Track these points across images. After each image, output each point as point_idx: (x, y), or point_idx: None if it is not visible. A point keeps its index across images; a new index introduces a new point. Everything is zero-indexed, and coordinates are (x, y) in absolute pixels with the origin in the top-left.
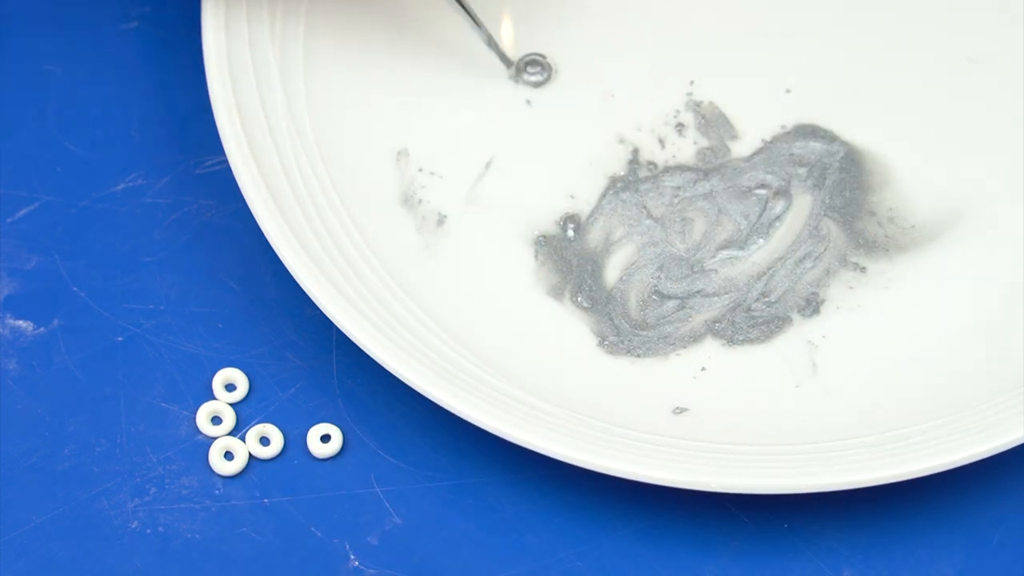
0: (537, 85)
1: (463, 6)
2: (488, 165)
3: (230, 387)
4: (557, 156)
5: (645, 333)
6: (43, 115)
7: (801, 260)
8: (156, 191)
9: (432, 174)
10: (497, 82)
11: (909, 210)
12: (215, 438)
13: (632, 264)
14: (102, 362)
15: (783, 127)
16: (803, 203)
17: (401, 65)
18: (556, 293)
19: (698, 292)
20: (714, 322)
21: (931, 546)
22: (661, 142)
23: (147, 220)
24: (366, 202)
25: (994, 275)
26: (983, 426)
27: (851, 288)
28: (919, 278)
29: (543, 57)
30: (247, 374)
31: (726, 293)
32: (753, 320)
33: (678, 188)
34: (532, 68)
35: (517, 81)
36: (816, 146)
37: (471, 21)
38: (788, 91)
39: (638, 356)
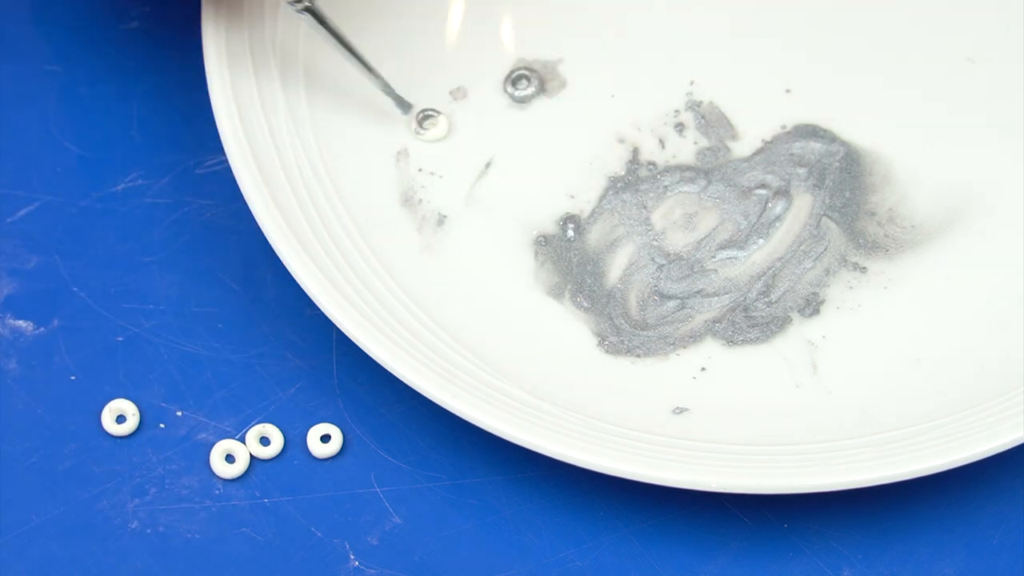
0: (525, 100)
1: (358, 57)
2: (488, 165)
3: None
4: (557, 156)
5: (645, 333)
6: (43, 115)
7: (801, 260)
8: (156, 191)
9: (432, 174)
10: (497, 81)
11: (909, 210)
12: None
13: (632, 264)
14: (102, 362)
15: (783, 127)
16: (803, 203)
17: (401, 64)
18: (556, 293)
19: (698, 292)
20: (714, 322)
21: (931, 546)
22: (661, 142)
23: (147, 220)
24: (366, 202)
25: (994, 275)
26: (983, 426)
27: (851, 288)
28: (919, 278)
29: (531, 71)
30: (247, 374)
31: (726, 293)
32: (753, 320)
33: (678, 188)
34: (521, 83)
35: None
36: (816, 146)
37: (366, 70)
38: (788, 91)
39: (638, 356)
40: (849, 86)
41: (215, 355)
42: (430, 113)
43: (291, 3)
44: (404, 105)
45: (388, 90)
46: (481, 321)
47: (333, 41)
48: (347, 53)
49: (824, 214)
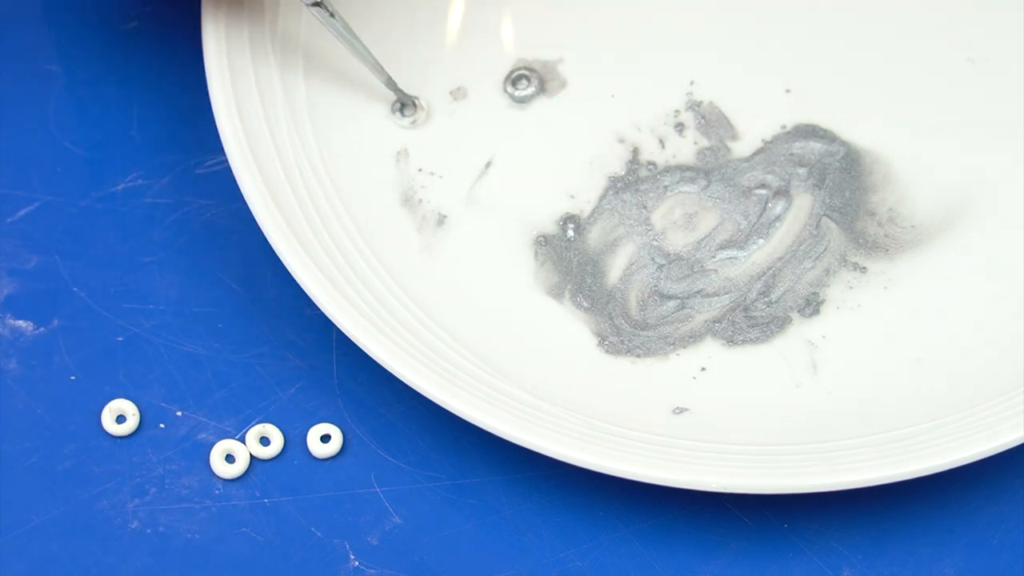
0: (525, 100)
1: (364, 53)
2: (488, 165)
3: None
4: (557, 156)
5: (645, 333)
6: (43, 115)
7: (801, 260)
8: (156, 191)
9: (432, 174)
10: (497, 82)
11: (909, 210)
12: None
13: (632, 264)
14: (102, 362)
15: (783, 127)
16: (803, 203)
17: (401, 64)
18: (556, 293)
19: (698, 292)
20: (714, 322)
21: (931, 546)
22: (661, 142)
23: (147, 220)
24: (366, 202)
25: (994, 275)
26: (983, 426)
27: (851, 288)
28: (919, 278)
29: (531, 71)
30: (247, 374)
31: (726, 293)
32: (753, 320)
33: (678, 188)
34: (521, 83)
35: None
36: (816, 146)
37: (372, 65)
38: (788, 91)
39: (638, 356)
40: (849, 86)
41: (215, 355)
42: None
43: None
44: (407, 99)
45: (393, 86)
46: (481, 321)
47: (342, 36)
48: (354, 48)
49: (824, 214)
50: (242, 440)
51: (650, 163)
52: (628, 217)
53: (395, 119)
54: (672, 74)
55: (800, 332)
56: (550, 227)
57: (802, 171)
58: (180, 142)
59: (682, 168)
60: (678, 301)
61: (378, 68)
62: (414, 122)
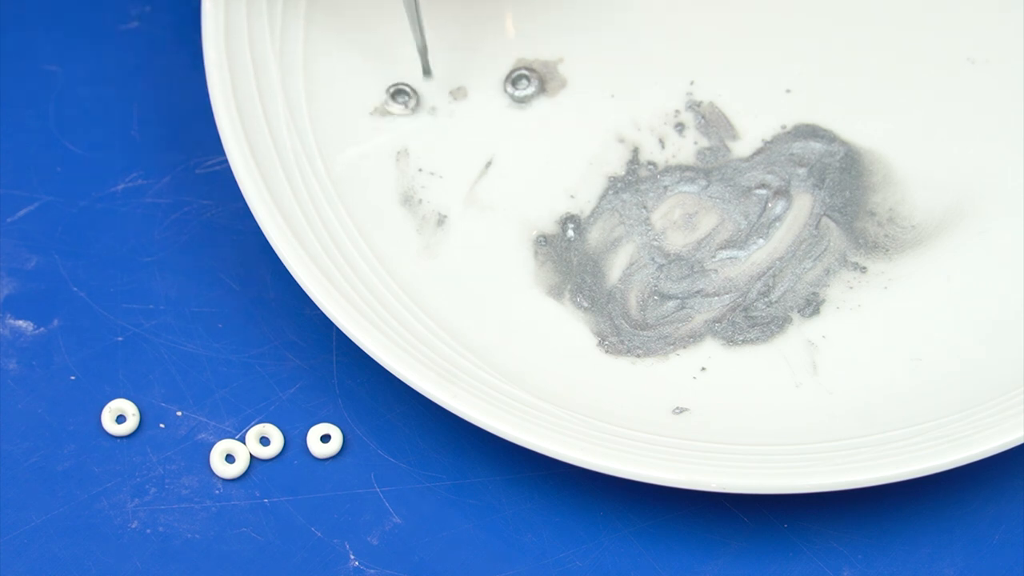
0: (525, 100)
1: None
2: (488, 165)
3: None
4: (557, 156)
5: (645, 333)
6: (43, 115)
7: (801, 260)
8: (156, 191)
9: (432, 174)
10: (497, 82)
11: (909, 210)
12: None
13: (632, 264)
14: (102, 362)
15: (783, 127)
16: (803, 203)
17: (401, 64)
18: (556, 293)
19: (698, 292)
20: (714, 322)
21: (931, 546)
22: (661, 142)
23: (147, 220)
24: (366, 202)
25: (994, 275)
26: (983, 426)
27: (851, 288)
28: (919, 278)
29: (531, 71)
30: (247, 374)
31: (726, 293)
32: (753, 320)
33: (678, 188)
34: (521, 83)
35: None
36: (816, 146)
37: (415, 24)
38: (788, 91)
39: (638, 356)
40: (849, 86)
41: (215, 355)
42: (403, 88)
43: None
44: (428, 72)
45: (424, 52)
46: (481, 321)
47: None
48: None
49: (824, 214)
50: (242, 440)
51: (650, 163)
52: (628, 217)
53: (390, 106)
54: (672, 74)
55: (800, 332)
56: (550, 227)
57: (802, 171)
58: (180, 142)
59: (682, 168)
60: (678, 301)
61: (419, 30)
62: (411, 109)
